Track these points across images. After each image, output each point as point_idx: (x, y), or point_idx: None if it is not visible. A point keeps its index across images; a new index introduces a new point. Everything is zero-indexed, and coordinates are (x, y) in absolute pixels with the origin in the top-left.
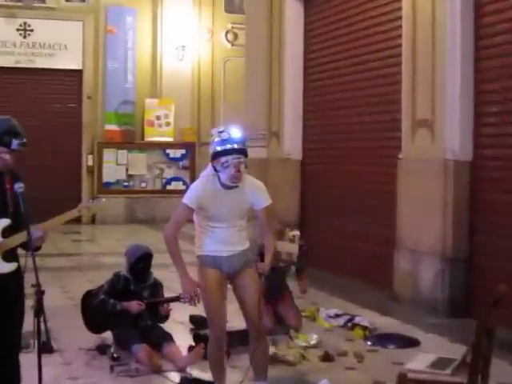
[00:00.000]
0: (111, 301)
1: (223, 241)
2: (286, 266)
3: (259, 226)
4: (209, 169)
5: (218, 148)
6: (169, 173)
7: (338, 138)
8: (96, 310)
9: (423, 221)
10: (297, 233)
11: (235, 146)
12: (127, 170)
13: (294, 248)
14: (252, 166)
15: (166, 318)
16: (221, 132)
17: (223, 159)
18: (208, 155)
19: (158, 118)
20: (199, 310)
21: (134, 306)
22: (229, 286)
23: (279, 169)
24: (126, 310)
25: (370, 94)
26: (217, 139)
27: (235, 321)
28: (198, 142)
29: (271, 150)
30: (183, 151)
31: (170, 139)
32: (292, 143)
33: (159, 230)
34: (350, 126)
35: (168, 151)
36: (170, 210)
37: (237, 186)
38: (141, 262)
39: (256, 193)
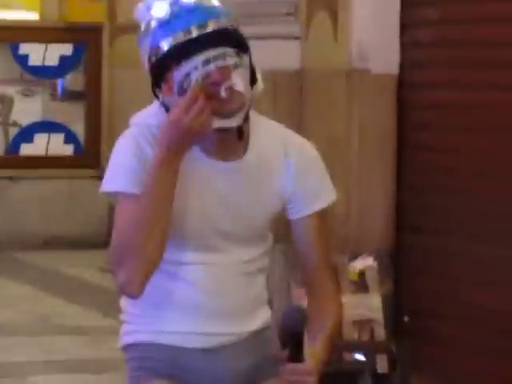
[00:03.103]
0: None
1: (205, 304)
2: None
3: (299, 261)
4: (154, 107)
5: (164, 43)
6: (27, 110)
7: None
8: None
9: None
10: (369, 263)
11: (201, 26)
12: None
13: (372, 303)
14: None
15: None
16: (154, 2)
17: (180, 72)
18: (136, 60)
19: None
20: None
21: None
22: None
23: (338, 99)
24: None
25: None
26: (152, 23)
27: None
28: (111, 22)
29: (314, 45)
30: (67, 49)
31: (31, 15)
32: (371, 27)
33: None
34: None
35: (24, 49)
36: (32, 215)
37: (240, 141)
38: None
39: (298, 170)
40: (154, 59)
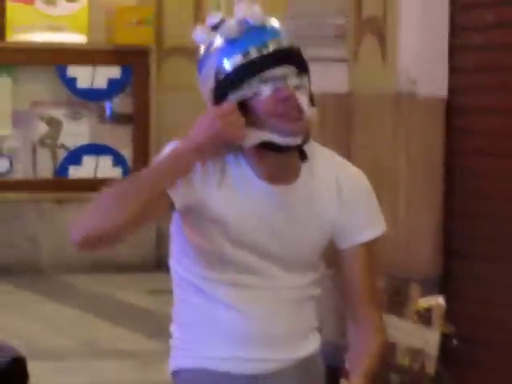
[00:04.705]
0: None
1: (251, 331)
2: None
3: (344, 291)
4: None
5: (226, 64)
6: (75, 133)
7: None
8: None
9: None
10: (439, 300)
11: (269, 43)
12: None
13: (431, 338)
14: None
15: None
16: (220, 22)
17: (247, 90)
18: (183, 82)
19: None
20: None
21: None
22: None
23: (385, 122)
24: None
25: None
26: (218, 42)
27: None
28: (158, 45)
29: (362, 68)
30: (115, 72)
31: (79, 38)
32: (419, 50)
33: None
34: None
35: (71, 72)
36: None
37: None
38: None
39: (349, 200)
40: (221, 77)
